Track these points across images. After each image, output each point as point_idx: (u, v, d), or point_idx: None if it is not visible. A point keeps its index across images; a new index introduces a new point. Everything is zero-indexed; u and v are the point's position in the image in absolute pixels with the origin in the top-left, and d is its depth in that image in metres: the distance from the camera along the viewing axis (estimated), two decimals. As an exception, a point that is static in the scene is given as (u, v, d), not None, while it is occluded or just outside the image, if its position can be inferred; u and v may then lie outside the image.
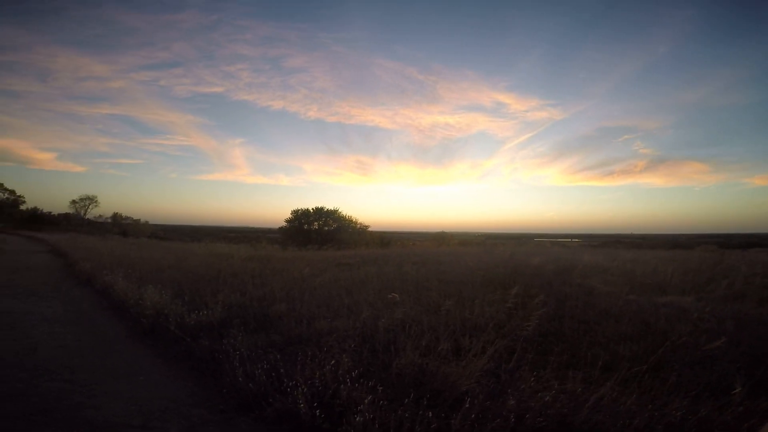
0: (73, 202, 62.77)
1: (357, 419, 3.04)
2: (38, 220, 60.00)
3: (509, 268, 10.32)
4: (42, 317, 6.86)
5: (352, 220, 37.38)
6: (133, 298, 7.14)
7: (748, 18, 58.67)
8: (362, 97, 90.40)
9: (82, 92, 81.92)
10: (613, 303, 6.48)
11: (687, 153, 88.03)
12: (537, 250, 19.94)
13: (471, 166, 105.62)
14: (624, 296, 7.08)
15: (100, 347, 5.44)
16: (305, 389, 3.46)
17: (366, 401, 3.19)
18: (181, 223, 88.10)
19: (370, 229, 38.86)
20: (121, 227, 56.60)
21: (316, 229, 36.32)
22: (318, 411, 3.25)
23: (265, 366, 3.94)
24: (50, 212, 64.80)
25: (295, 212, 37.05)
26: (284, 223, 37.43)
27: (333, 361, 3.86)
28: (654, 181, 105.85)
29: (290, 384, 3.58)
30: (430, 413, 3.05)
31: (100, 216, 63.05)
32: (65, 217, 62.66)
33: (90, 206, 62.98)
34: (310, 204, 46.66)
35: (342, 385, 3.51)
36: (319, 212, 37.02)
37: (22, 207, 63.92)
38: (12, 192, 63.44)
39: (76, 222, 59.26)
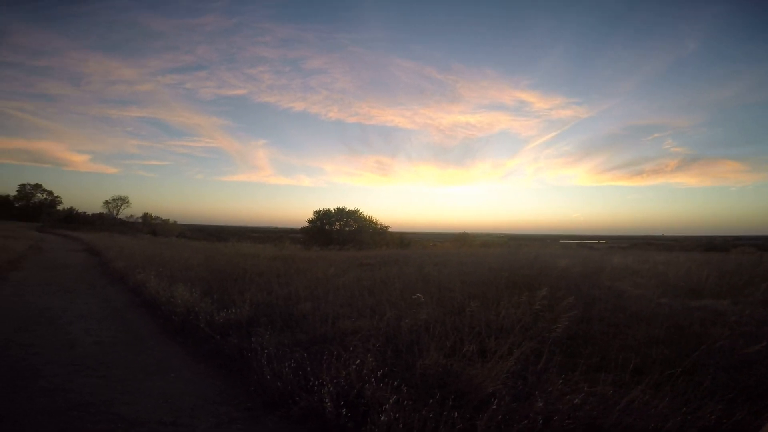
0: (106, 202, 65.57)
1: (382, 419, 3.04)
2: (74, 219, 62.81)
3: (534, 270, 10.13)
4: (78, 314, 7.17)
5: (372, 221, 37.63)
6: (164, 296, 7.36)
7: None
8: (381, 98, 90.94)
9: (112, 95, 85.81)
10: (645, 306, 6.29)
11: (722, 151, 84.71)
12: (563, 252, 19.48)
13: (493, 165, 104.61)
14: (656, 299, 6.86)
15: (133, 344, 5.63)
16: (331, 388, 3.49)
17: (391, 401, 3.20)
18: (206, 223, 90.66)
19: (390, 229, 38.98)
20: (151, 227, 58.57)
21: (337, 230, 36.67)
22: (344, 410, 3.27)
23: (291, 364, 3.99)
24: (85, 212, 67.83)
25: (317, 213, 37.55)
26: (306, 224, 38.01)
27: (358, 361, 3.88)
28: (686, 180, 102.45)
29: (316, 383, 3.62)
30: (456, 414, 3.03)
31: (132, 216, 65.65)
32: (99, 216, 65.35)
33: (122, 206, 65.62)
34: (330, 204, 47.25)
35: (367, 385, 3.52)
36: (340, 213, 37.38)
37: (59, 207, 67.07)
38: (50, 193, 66.75)
39: (109, 222, 61.68)
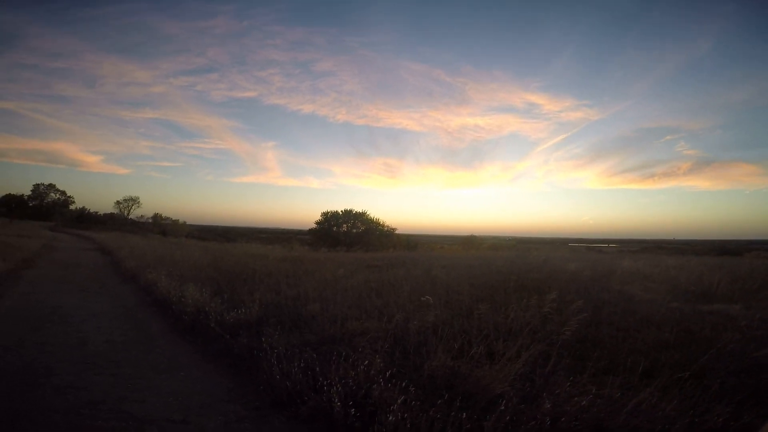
0: (118, 202, 66.52)
1: (389, 419, 3.06)
2: (86, 219, 63.85)
3: (543, 273, 10.08)
4: (91, 312, 7.28)
5: (379, 223, 37.62)
6: (175, 296, 7.44)
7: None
8: (389, 100, 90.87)
9: (125, 97, 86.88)
10: (655, 310, 6.24)
11: (735, 154, 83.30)
12: (572, 256, 19.36)
13: (502, 168, 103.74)
14: (666, 304, 6.79)
15: (143, 342, 5.71)
16: (339, 388, 3.51)
17: (398, 401, 3.22)
18: (215, 223, 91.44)
19: (397, 231, 38.96)
20: (161, 227, 59.25)
21: (344, 232, 36.74)
22: (352, 410, 3.30)
23: (300, 364, 4.02)
24: (96, 212, 68.94)
25: (325, 214, 37.65)
26: (314, 225, 38.09)
27: (366, 362, 3.90)
28: (699, 183, 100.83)
29: (325, 383, 3.65)
30: (463, 415, 3.04)
31: (142, 216, 66.52)
32: (110, 216, 66.32)
33: (133, 207, 66.52)
34: (338, 206, 47.28)
35: (375, 385, 3.55)
36: (348, 214, 37.45)
37: (72, 207, 68.13)
38: (63, 193, 67.74)
39: (120, 222, 62.53)
